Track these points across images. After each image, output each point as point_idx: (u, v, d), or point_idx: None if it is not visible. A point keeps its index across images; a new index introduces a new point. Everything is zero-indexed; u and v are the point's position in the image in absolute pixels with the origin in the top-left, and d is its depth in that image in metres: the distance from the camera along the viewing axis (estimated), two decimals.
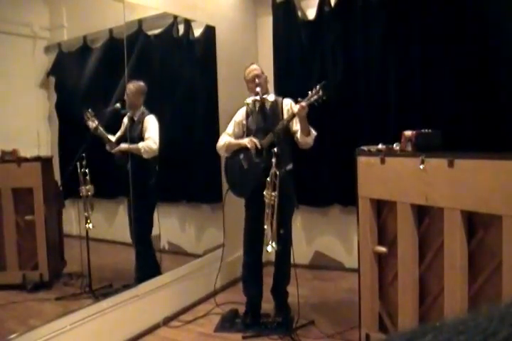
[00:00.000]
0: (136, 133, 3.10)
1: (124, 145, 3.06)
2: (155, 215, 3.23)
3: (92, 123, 2.99)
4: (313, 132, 2.82)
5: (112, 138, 3.12)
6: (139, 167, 3.03)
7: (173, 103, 3.63)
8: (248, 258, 2.99)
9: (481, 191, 1.86)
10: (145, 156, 3.05)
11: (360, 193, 2.45)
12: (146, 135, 3.07)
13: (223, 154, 2.97)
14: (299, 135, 2.79)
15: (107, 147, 3.08)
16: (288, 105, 2.90)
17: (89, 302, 2.69)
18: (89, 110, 2.99)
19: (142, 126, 3.11)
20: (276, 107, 2.90)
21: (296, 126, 2.82)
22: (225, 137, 2.94)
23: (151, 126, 3.12)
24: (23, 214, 2.80)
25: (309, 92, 2.69)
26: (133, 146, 3.04)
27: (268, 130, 2.78)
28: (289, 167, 2.84)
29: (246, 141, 2.79)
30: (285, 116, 2.86)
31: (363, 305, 2.48)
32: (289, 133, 2.85)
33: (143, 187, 3.07)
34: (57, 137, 3.13)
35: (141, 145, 3.05)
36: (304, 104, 2.63)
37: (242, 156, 2.83)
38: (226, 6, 3.88)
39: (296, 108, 2.65)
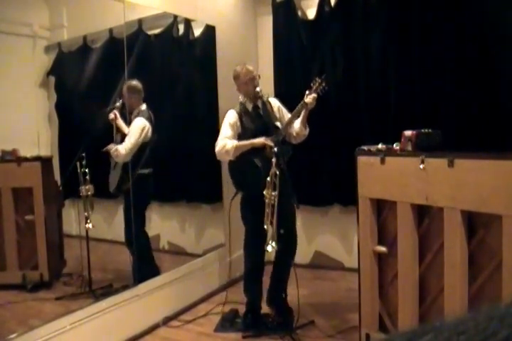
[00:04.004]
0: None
1: (111, 146, 3.05)
2: (143, 216, 3.23)
3: (112, 114, 3.00)
4: (307, 127, 2.93)
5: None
6: (119, 171, 3.03)
7: (173, 103, 3.63)
8: (253, 260, 2.97)
9: (481, 191, 1.86)
10: (116, 160, 3.03)
11: (360, 193, 2.45)
12: (125, 139, 3.04)
13: (228, 158, 2.85)
14: (297, 127, 2.88)
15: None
16: (277, 105, 2.98)
17: (89, 302, 2.68)
18: (120, 101, 3.02)
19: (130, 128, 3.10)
20: (267, 106, 2.92)
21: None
22: (228, 141, 2.81)
23: (132, 130, 3.06)
24: (23, 214, 2.80)
25: (312, 85, 2.79)
26: (114, 148, 3.04)
27: (266, 128, 2.80)
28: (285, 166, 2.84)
29: (263, 140, 2.76)
30: (276, 114, 2.93)
31: (363, 304, 2.48)
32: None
33: (120, 189, 3.06)
34: (57, 137, 3.13)
35: (114, 148, 3.02)
36: (315, 95, 2.75)
37: (254, 156, 2.80)
38: (226, 6, 3.88)
39: (308, 98, 2.74)
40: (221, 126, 2.95)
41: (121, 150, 3.00)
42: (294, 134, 2.90)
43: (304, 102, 2.75)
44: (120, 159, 3.03)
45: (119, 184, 3.05)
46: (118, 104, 3.04)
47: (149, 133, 3.12)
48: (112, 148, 3.03)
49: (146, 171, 3.15)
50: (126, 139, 3.03)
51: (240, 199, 2.98)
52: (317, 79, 2.80)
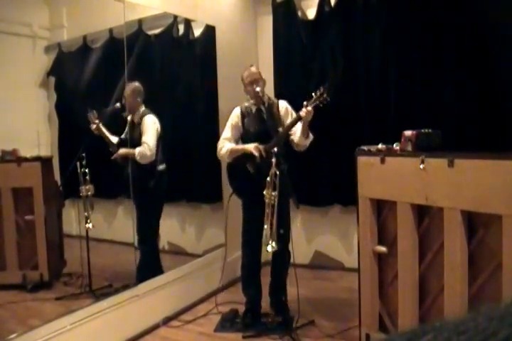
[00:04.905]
0: (136, 136, 3.09)
1: (122, 150, 3.06)
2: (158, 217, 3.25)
3: (94, 125, 2.98)
4: (311, 135, 2.86)
5: (114, 139, 3.11)
6: (137, 169, 3.03)
7: (173, 103, 3.63)
8: (248, 259, 2.99)
9: (481, 191, 1.86)
10: (140, 162, 3.03)
11: (360, 193, 2.45)
12: (143, 139, 3.05)
13: (226, 160, 2.96)
14: (297, 137, 2.82)
15: (111, 149, 3.08)
16: (284, 107, 2.94)
17: (89, 302, 2.68)
18: (94, 112, 2.97)
19: (141, 128, 3.10)
20: (273, 109, 2.91)
21: (294, 128, 2.84)
22: (226, 144, 2.88)
23: (148, 128, 3.08)
24: (23, 214, 2.80)
25: (313, 95, 2.71)
26: (130, 151, 3.04)
27: (267, 132, 2.79)
28: (285, 167, 2.84)
29: (251, 148, 2.76)
30: (283, 118, 2.91)
31: (363, 304, 2.48)
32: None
33: (141, 189, 3.06)
34: (57, 137, 3.12)
35: (137, 151, 3.03)
36: (310, 108, 2.66)
37: (247, 161, 2.82)
38: (226, 6, 3.88)
39: (303, 112, 2.66)
40: (222, 126, 2.98)
41: (147, 151, 3.02)
42: (295, 142, 2.85)
43: (298, 115, 2.70)
44: (147, 160, 3.04)
45: (142, 183, 3.05)
46: (118, 104, 3.05)
47: (159, 129, 3.15)
48: (127, 151, 3.02)
49: (162, 167, 3.19)
50: (146, 139, 3.04)
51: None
52: (320, 88, 2.71)
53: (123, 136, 3.16)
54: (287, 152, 2.91)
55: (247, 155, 2.81)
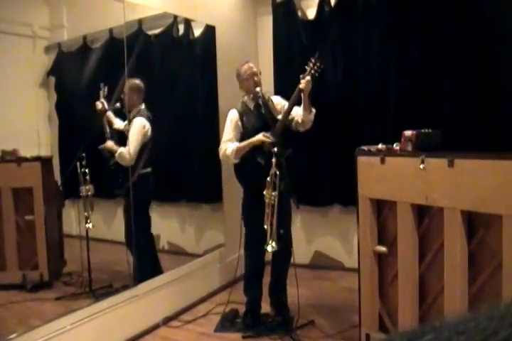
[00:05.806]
0: (127, 133, 3.08)
1: (109, 144, 3.03)
2: (147, 216, 3.23)
3: (99, 104, 2.95)
4: (313, 110, 2.86)
5: (119, 123, 3.10)
6: (116, 169, 3.02)
7: (173, 103, 3.63)
8: (253, 259, 2.97)
9: (481, 191, 1.86)
10: (121, 163, 3.01)
11: (360, 193, 2.44)
12: (128, 141, 3.02)
13: (233, 161, 2.87)
14: (300, 116, 2.82)
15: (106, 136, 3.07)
16: (278, 101, 2.96)
17: (89, 302, 2.68)
18: (106, 88, 2.94)
19: (129, 129, 3.07)
20: (268, 105, 2.91)
21: (293, 110, 2.85)
22: (229, 145, 2.83)
23: (134, 131, 3.05)
24: (23, 214, 2.80)
25: (306, 67, 2.76)
26: (114, 148, 3.02)
27: (267, 124, 2.79)
28: (289, 152, 2.82)
29: (260, 138, 2.74)
30: (279, 110, 2.90)
31: (363, 304, 2.48)
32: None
33: (122, 187, 3.05)
34: (57, 137, 3.13)
35: (119, 150, 3.01)
36: (308, 78, 2.70)
37: (256, 155, 2.78)
38: (226, 6, 3.88)
39: (302, 84, 2.70)
40: (222, 126, 2.96)
41: (125, 155, 2.99)
42: (300, 121, 2.84)
43: (299, 88, 2.72)
44: (125, 163, 3.01)
45: (122, 183, 3.04)
46: (117, 104, 3.05)
47: (149, 132, 3.12)
48: (112, 146, 3.02)
49: (145, 171, 3.15)
50: (129, 143, 3.01)
51: (241, 200, 2.98)
52: (311, 59, 2.77)
53: (122, 127, 3.15)
54: (290, 138, 2.88)
55: (256, 149, 2.77)
